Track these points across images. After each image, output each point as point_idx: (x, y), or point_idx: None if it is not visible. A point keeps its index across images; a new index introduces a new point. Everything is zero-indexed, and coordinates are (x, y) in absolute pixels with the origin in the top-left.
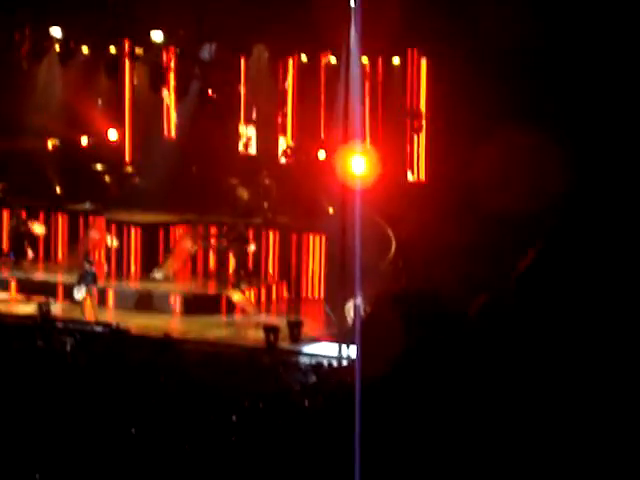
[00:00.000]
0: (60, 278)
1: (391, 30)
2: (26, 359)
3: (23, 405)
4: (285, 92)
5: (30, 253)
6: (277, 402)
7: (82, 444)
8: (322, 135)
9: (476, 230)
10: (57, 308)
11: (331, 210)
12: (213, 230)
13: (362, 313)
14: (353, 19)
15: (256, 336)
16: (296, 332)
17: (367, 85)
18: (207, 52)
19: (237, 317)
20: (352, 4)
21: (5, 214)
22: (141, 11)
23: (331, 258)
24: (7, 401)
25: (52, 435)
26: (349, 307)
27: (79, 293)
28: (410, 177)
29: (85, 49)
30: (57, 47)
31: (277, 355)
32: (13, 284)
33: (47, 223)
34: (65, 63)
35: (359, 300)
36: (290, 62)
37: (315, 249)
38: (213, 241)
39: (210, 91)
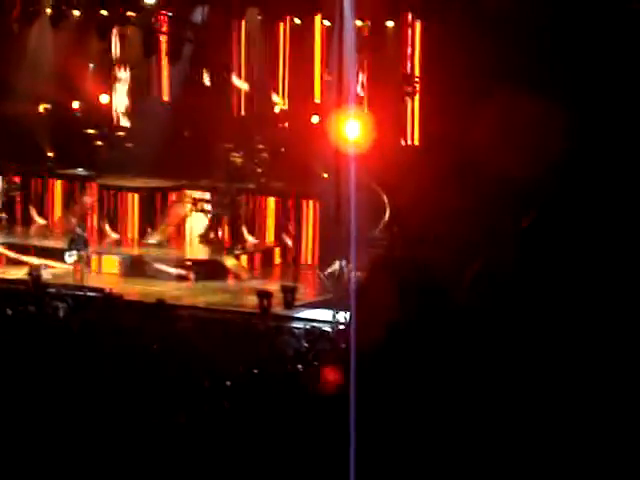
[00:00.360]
0: (52, 243)
1: None
2: (18, 325)
3: (15, 372)
4: (278, 56)
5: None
6: (271, 368)
7: (75, 411)
8: (316, 99)
9: (472, 195)
10: (49, 273)
11: (325, 175)
12: (206, 195)
13: (347, 277)
14: None
15: (250, 302)
16: (290, 298)
17: (360, 48)
18: (200, 15)
19: (231, 282)
20: None
21: None
22: None
23: (325, 224)
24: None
25: (45, 402)
26: (333, 270)
27: (70, 257)
28: (404, 142)
29: (76, 12)
30: (48, 10)
31: (270, 320)
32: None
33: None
34: (56, 26)
35: (343, 263)
36: (283, 25)
37: (309, 215)
38: (206, 206)
39: (203, 55)
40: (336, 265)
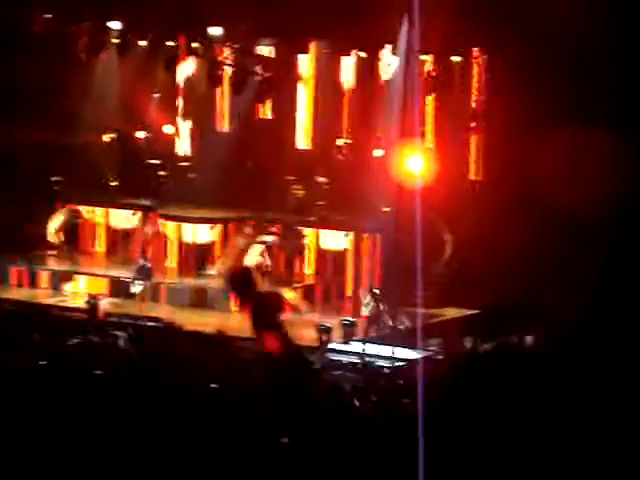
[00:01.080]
0: (113, 272)
1: (451, 28)
2: (78, 353)
3: (74, 401)
4: (342, 88)
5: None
6: (328, 401)
7: (133, 442)
8: (379, 132)
9: (537, 231)
10: (109, 303)
11: (386, 209)
12: (267, 227)
13: (379, 307)
14: (412, 16)
15: (309, 335)
16: (348, 332)
17: (426, 83)
18: (265, 48)
19: (289, 315)
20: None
21: (60, 207)
22: (199, 6)
23: (387, 257)
24: (60, 395)
25: (103, 432)
26: (367, 301)
27: (135, 288)
28: (468, 176)
29: (143, 42)
30: (115, 40)
31: (329, 354)
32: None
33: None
34: (123, 56)
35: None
36: (348, 58)
37: (370, 248)
38: (266, 238)
39: (267, 87)
40: (368, 299)
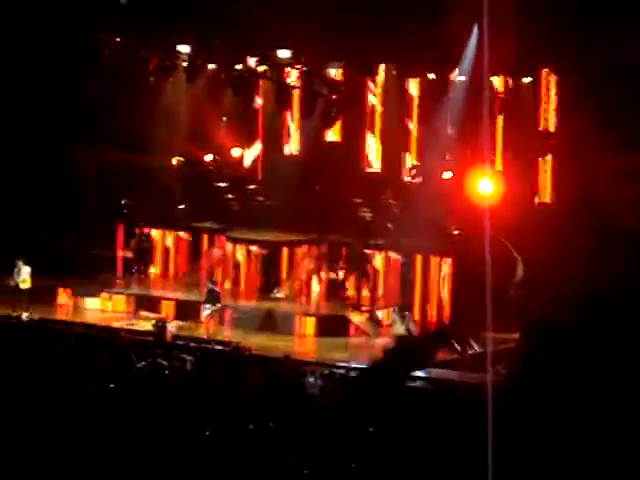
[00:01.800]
0: (181, 295)
1: (521, 48)
2: (147, 376)
3: (144, 422)
4: (411, 110)
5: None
6: (397, 426)
7: (198, 464)
8: (448, 155)
9: (609, 255)
10: (176, 325)
11: (456, 232)
12: (335, 250)
13: (411, 327)
14: (481, 37)
15: (376, 359)
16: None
17: (495, 104)
18: (334, 70)
19: (357, 339)
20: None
21: (128, 230)
22: (268, 29)
23: (456, 281)
24: (128, 418)
25: (170, 456)
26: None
27: (205, 311)
28: (538, 199)
29: (211, 66)
30: (184, 64)
31: (396, 379)
32: (134, 300)
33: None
34: (191, 80)
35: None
36: (417, 81)
37: (439, 271)
38: (334, 262)
39: (335, 110)
40: (395, 316)
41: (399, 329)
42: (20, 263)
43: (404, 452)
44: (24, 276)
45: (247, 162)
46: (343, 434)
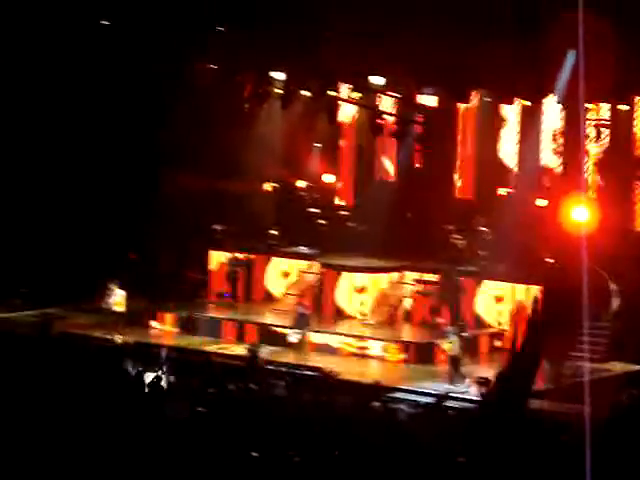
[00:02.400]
0: (270, 320)
1: (616, 75)
2: (239, 400)
3: (232, 445)
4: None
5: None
6: (492, 457)
7: None
8: (546, 182)
9: None
10: (267, 351)
11: (550, 260)
12: (426, 277)
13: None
14: (577, 63)
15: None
16: (503, 385)
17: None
18: (427, 97)
19: (449, 367)
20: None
21: (220, 255)
22: (361, 56)
23: (548, 309)
24: (217, 441)
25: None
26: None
27: (294, 336)
28: (633, 226)
29: (305, 93)
30: (278, 91)
31: (488, 408)
32: (226, 325)
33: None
34: (286, 107)
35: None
36: (510, 106)
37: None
38: (426, 288)
39: (428, 136)
40: (452, 337)
41: (456, 349)
42: (114, 286)
43: None
44: (118, 299)
45: (339, 188)
46: (433, 464)
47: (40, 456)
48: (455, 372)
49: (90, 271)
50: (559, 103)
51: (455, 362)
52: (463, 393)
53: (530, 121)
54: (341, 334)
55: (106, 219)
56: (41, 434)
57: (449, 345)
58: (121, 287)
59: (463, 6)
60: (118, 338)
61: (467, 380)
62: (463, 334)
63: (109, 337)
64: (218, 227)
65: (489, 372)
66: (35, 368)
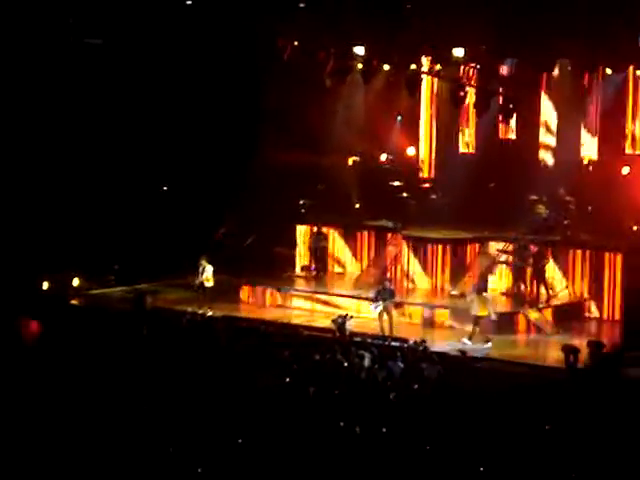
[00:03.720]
0: (357, 293)
1: None
2: (326, 372)
3: (317, 416)
4: (589, 106)
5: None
6: (577, 425)
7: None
8: (627, 150)
9: None
10: (352, 323)
11: (635, 228)
12: (510, 247)
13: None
14: None
15: (555, 356)
16: (598, 353)
17: None
18: (508, 67)
19: (533, 336)
20: None
21: (306, 229)
22: (442, 28)
23: (631, 278)
24: (304, 412)
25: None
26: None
27: (376, 308)
28: None
29: (386, 67)
30: (360, 66)
31: (576, 377)
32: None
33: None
34: (367, 81)
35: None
36: (594, 76)
37: (616, 268)
38: (511, 258)
39: (510, 107)
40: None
41: (476, 310)
42: (204, 262)
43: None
44: (207, 274)
45: (421, 161)
46: (521, 432)
47: (147, 426)
48: (476, 331)
49: (180, 247)
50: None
51: (476, 321)
52: (481, 351)
53: (614, 90)
54: (425, 304)
55: (195, 197)
56: (144, 402)
57: (535, 314)
58: (210, 262)
59: None
60: (209, 312)
61: (489, 341)
62: (484, 294)
63: (200, 311)
64: (304, 202)
65: (575, 340)
66: (131, 342)
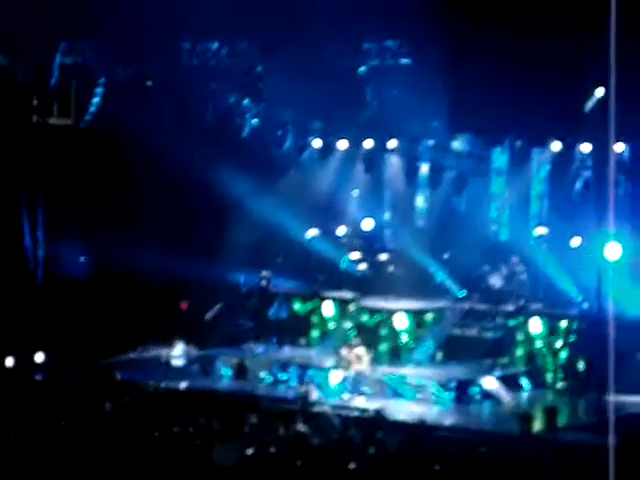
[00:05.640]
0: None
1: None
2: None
3: None
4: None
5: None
6: None
7: None
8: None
9: None
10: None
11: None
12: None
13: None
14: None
15: (510, 425)
16: (552, 421)
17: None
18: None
19: (491, 405)
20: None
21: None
22: (394, 105)
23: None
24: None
25: None
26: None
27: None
28: None
29: (343, 144)
30: (317, 143)
31: (534, 445)
32: None
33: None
34: (324, 157)
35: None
36: (543, 152)
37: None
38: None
39: (462, 181)
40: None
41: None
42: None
43: None
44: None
45: (377, 233)
46: None
47: None
48: None
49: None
50: (590, 143)
51: None
52: None
53: (563, 163)
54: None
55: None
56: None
57: (491, 382)
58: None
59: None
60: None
61: None
62: None
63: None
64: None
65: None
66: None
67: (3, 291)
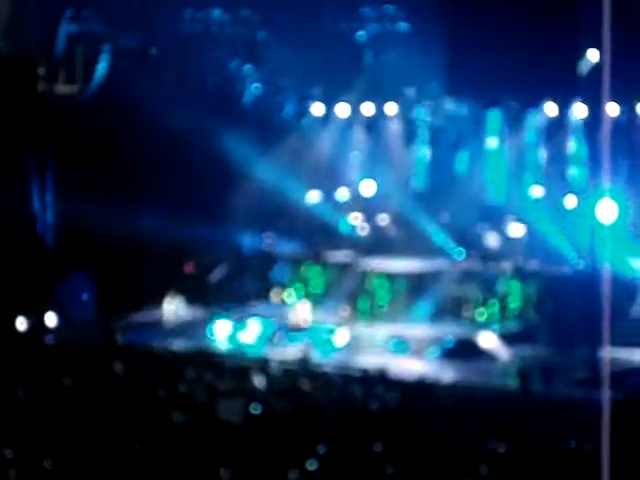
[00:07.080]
0: None
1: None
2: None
3: None
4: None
5: None
6: (529, 446)
7: None
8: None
9: None
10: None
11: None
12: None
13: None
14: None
15: (509, 381)
16: (549, 377)
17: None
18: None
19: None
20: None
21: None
22: (393, 69)
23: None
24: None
25: None
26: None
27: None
28: None
29: (342, 108)
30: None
31: (531, 400)
32: None
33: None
34: (324, 122)
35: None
36: (537, 113)
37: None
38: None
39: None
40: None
41: None
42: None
43: None
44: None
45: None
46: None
47: None
48: None
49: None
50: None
51: None
52: None
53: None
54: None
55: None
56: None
57: (488, 338)
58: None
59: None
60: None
61: None
62: None
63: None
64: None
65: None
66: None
67: (12, 255)
